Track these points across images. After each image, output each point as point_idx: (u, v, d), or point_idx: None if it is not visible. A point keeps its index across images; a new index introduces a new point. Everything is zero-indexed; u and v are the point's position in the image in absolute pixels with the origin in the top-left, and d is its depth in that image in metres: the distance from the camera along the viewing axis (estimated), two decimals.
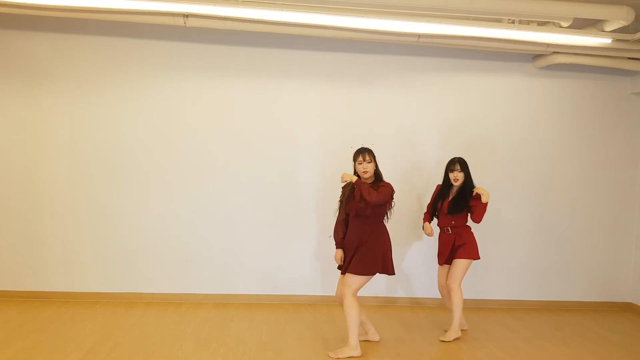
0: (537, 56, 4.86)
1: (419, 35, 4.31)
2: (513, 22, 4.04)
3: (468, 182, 4.01)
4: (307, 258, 4.80)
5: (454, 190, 4.04)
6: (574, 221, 5.06)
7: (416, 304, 4.90)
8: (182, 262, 4.69)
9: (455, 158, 4.04)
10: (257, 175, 4.74)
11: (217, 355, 3.44)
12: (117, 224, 4.63)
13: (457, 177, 3.97)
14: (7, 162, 4.54)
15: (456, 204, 3.98)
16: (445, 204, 4.03)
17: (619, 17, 3.85)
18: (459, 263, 3.98)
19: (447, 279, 4.05)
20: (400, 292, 4.91)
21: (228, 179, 4.71)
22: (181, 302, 4.63)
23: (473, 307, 4.88)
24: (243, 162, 4.72)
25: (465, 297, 4.89)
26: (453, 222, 4.02)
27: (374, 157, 3.59)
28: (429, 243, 4.87)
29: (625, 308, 5.10)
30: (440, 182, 4.17)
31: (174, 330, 3.91)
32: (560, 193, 5.04)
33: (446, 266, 4.10)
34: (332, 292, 4.79)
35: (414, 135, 4.86)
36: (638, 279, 5.07)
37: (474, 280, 4.93)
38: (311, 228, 4.78)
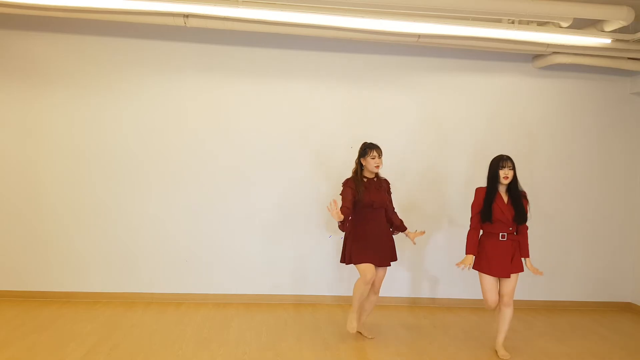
0: (537, 56, 4.86)
1: (419, 36, 4.31)
2: (513, 22, 4.05)
3: (516, 183, 3.61)
4: (307, 257, 4.80)
5: (504, 193, 3.60)
6: (574, 221, 5.06)
7: (416, 304, 4.90)
8: (182, 262, 4.70)
9: (503, 155, 3.59)
10: (257, 175, 4.74)
11: (217, 355, 3.44)
12: (117, 224, 4.64)
13: (507, 174, 3.53)
14: (6, 162, 4.54)
15: (522, 212, 3.56)
16: (506, 209, 3.56)
17: (618, 18, 3.85)
18: (516, 277, 3.61)
19: (502, 293, 3.62)
20: (400, 292, 4.91)
21: (228, 179, 4.71)
22: (181, 302, 4.63)
23: (473, 307, 4.88)
24: (243, 162, 4.72)
25: (465, 297, 4.93)
26: (511, 229, 3.60)
27: (382, 153, 3.79)
28: (429, 243, 4.87)
29: (625, 308, 5.10)
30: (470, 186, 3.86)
31: (174, 330, 3.91)
32: (560, 193, 5.04)
33: (495, 278, 3.63)
34: (332, 292, 4.83)
35: (414, 135, 4.86)
36: (638, 279, 5.07)
37: (473, 280, 4.93)
38: (311, 228, 4.78)
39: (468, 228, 3.69)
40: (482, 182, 4.96)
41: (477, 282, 4.94)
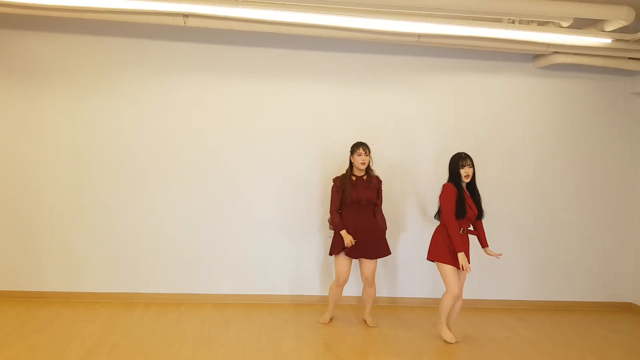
0: (537, 56, 4.86)
1: (419, 35, 4.31)
2: (513, 22, 4.05)
3: (475, 180, 3.77)
4: (307, 258, 4.80)
5: (466, 189, 3.78)
6: (574, 221, 5.06)
7: (416, 304, 4.90)
8: (182, 262, 4.69)
9: (462, 153, 3.77)
10: (257, 176, 4.74)
11: (217, 355, 3.44)
12: (117, 224, 4.63)
13: (468, 172, 3.68)
14: (7, 162, 4.54)
15: (481, 208, 3.77)
16: (473, 206, 3.74)
17: (619, 17, 3.85)
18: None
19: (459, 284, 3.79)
20: (400, 292, 4.91)
21: (228, 180, 4.71)
22: (181, 302, 4.63)
23: (473, 307, 4.89)
24: (243, 162, 4.72)
25: (465, 297, 4.92)
26: (470, 226, 3.84)
27: (370, 151, 4.04)
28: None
29: (625, 308, 5.10)
30: (440, 182, 3.98)
31: (174, 330, 3.91)
32: (560, 193, 5.04)
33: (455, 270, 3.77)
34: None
35: (414, 135, 4.85)
36: (638, 279, 5.07)
37: (473, 280, 4.94)
38: (311, 228, 4.78)
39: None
40: (484, 182, 4.99)
41: (478, 283, 4.97)
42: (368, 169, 4.06)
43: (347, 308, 4.67)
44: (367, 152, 4.00)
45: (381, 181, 4.13)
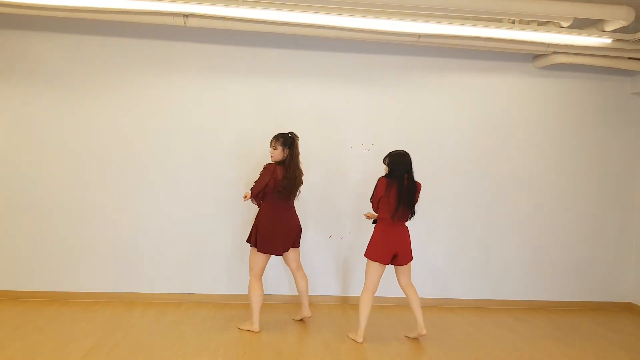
0: (537, 56, 4.86)
1: (419, 35, 4.31)
2: (513, 22, 4.05)
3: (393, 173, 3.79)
4: (306, 258, 4.79)
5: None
6: (574, 221, 5.06)
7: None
8: (182, 262, 4.69)
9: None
10: (257, 176, 4.72)
11: (217, 355, 3.44)
12: (117, 224, 4.63)
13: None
14: (6, 162, 4.54)
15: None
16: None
17: (619, 17, 3.85)
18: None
19: (404, 279, 3.91)
20: (399, 293, 4.90)
21: (228, 179, 4.71)
22: (181, 302, 4.63)
23: (473, 307, 4.89)
24: (243, 162, 4.71)
25: (465, 297, 4.94)
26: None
27: (283, 144, 3.88)
28: (433, 242, 4.87)
29: (625, 308, 5.10)
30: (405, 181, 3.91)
31: (174, 330, 3.91)
32: (560, 193, 5.04)
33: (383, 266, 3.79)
34: (332, 292, 4.83)
35: (414, 135, 4.85)
36: (638, 279, 5.07)
37: (473, 280, 4.94)
38: (311, 228, 4.78)
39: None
40: (482, 181, 4.99)
41: (478, 282, 4.97)
42: (283, 162, 3.89)
43: (347, 308, 4.67)
44: (275, 145, 3.88)
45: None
